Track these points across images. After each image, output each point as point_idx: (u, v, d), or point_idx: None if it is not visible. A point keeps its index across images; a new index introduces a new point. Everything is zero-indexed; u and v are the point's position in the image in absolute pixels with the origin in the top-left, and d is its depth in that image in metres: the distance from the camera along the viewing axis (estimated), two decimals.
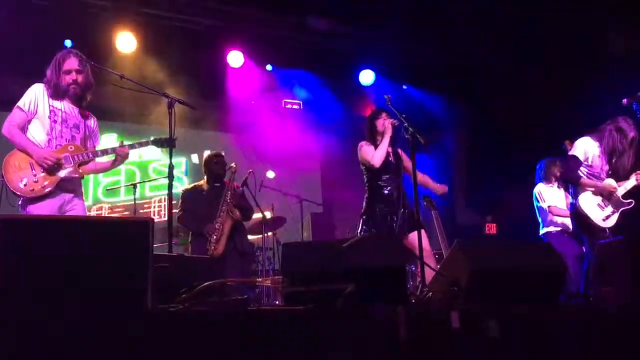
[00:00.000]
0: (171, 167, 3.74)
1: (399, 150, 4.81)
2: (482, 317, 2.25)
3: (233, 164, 5.39)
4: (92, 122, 3.88)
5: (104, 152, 3.77)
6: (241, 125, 8.22)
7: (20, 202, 3.50)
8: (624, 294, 2.76)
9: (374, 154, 4.53)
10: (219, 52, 7.53)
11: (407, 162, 4.79)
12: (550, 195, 5.68)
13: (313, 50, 7.78)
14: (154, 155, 7.71)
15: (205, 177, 5.30)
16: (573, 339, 2.40)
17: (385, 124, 4.60)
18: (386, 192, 4.57)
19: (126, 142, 3.90)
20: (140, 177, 7.56)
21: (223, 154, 5.46)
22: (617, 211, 4.62)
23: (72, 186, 3.65)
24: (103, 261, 2.01)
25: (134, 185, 6.17)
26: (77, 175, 3.63)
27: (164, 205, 7.57)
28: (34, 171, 3.46)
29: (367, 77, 8.32)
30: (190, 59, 7.05)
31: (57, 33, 6.62)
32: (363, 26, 7.50)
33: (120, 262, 2.03)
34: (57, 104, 3.67)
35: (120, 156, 3.80)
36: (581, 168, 4.68)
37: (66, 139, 3.65)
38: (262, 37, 7.51)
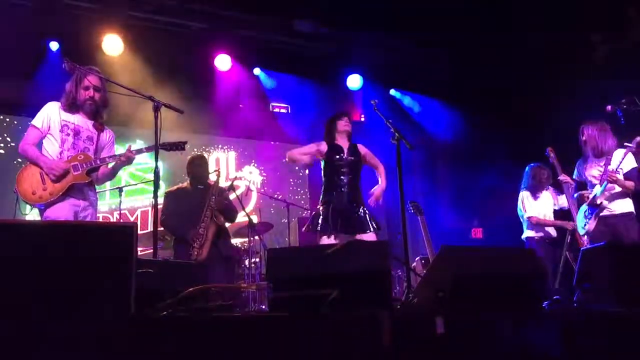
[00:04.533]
0: (157, 171, 3.74)
1: (359, 146, 4.85)
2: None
3: (218, 168, 5.41)
4: (107, 134, 4.08)
5: (112, 157, 3.94)
6: (229, 128, 8.21)
7: (33, 210, 3.78)
8: (606, 300, 2.79)
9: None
10: (207, 55, 7.51)
11: (372, 159, 4.85)
12: (532, 205, 5.74)
13: (301, 54, 7.79)
14: (137, 159, 7.63)
15: (188, 179, 5.28)
16: (556, 343, 2.41)
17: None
18: (340, 189, 4.60)
19: (133, 147, 4.05)
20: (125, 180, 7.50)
21: (206, 156, 5.49)
22: None
23: (82, 194, 3.85)
24: (86, 266, 1.99)
25: (120, 189, 6.12)
26: (85, 182, 3.83)
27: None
28: (43, 181, 3.69)
29: (354, 81, 8.35)
30: (178, 62, 7.02)
31: (43, 34, 6.58)
32: (351, 30, 7.52)
33: (104, 267, 2.01)
34: (70, 117, 3.89)
35: (128, 158, 3.95)
36: None
37: (78, 151, 3.86)
38: (250, 40, 7.50)
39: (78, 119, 3.90)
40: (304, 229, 4.64)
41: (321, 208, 4.58)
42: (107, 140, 4.08)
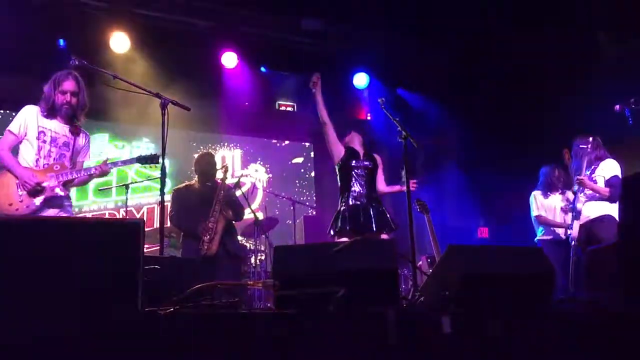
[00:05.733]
0: (164, 168, 3.75)
1: (377, 157, 4.91)
2: (484, 317, 2.26)
3: (225, 164, 5.44)
4: (82, 139, 4.02)
5: (88, 170, 3.90)
6: (235, 126, 8.21)
7: None
8: (615, 299, 2.77)
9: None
10: (213, 53, 7.51)
11: (380, 175, 4.90)
12: (541, 204, 5.76)
13: (307, 52, 7.78)
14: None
15: (196, 177, 5.30)
16: (564, 342, 2.40)
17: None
18: (357, 190, 4.63)
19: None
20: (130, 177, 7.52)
21: (214, 154, 5.52)
22: None
23: (59, 202, 3.82)
24: (93, 263, 1.99)
25: (126, 186, 6.14)
26: (62, 194, 3.80)
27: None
28: (19, 191, 3.64)
29: (361, 79, 8.33)
30: (184, 59, 7.03)
31: (51, 32, 6.60)
32: (357, 29, 7.51)
33: (111, 264, 2.01)
34: (48, 123, 3.84)
35: (103, 171, 3.92)
36: None
37: (54, 158, 3.82)
38: (256, 38, 7.50)
39: (55, 125, 3.86)
40: (328, 232, 4.66)
41: (341, 209, 4.61)
42: (83, 144, 4.03)
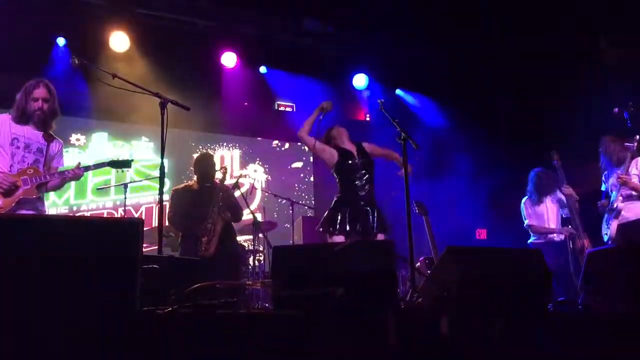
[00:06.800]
0: (162, 168, 3.75)
1: (364, 145, 4.83)
2: (482, 318, 2.26)
3: (225, 165, 5.43)
4: (56, 145, 4.04)
5: (61, 174, 3.93)
6: (234, 126, 8.21)
7: None
8: (617, 302, 2.77)
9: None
10: (213, 53, 7.51)
11: (377, 150, 4.82)
12: (531, 211, 5.77)
13: (307, 52, 7.79)
14: (143, 156, 7.66)
15: (195, 178, 5.30)
16: (561, 344, 2.40)
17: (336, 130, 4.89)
18: (357, 192, 4.58)
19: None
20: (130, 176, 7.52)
21: (213, 153, 5.51)
22: None
23: (32, 205, 3.83)
24: (91, 262, 1.99)
25: (125, 185, 6.14)
26: (34, 196, 3.82)
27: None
28: None
29: (360, 80, 8.34)
30: (184, 59, 7.04)
31: (51, 30, 6.61)
32: (357, 29, 7.52)
33: (109, 263, 2.01)
34: (20, 130, 3.87)
35: (75, 175, 3.92)
36: None
37: (28, 163, 3.84)
38: (256, 38, 7.51)
39: (28, 131, 3.88)
40: (317, 228, 4.62)
41: (337, 210, 4.55)
42: (57, 150, 4.04)
